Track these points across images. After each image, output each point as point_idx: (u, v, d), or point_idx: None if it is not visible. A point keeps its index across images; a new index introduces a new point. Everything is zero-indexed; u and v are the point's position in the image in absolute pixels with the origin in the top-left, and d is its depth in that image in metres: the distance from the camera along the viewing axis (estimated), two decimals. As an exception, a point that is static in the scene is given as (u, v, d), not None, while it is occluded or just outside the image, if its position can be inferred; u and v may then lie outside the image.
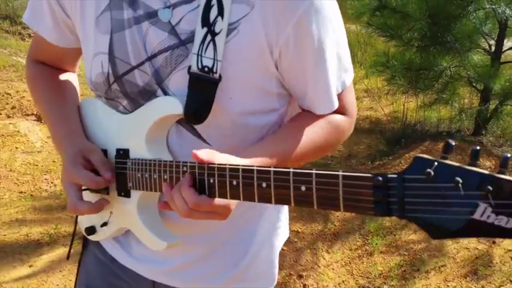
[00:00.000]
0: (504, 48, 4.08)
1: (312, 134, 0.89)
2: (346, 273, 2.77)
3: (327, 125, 0.91)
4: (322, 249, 2.96)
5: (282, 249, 1.15)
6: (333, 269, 2.81)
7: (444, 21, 3.84)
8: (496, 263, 2.78)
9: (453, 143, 0.54)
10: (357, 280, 2.72)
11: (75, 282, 1.14)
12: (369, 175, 0.60)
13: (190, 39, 0.84)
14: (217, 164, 0.76)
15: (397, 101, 4.91)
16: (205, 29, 0.82)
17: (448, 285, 2.63)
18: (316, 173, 0.65)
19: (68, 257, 1.16)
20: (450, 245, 2.94)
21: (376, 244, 2.99)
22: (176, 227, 0.93)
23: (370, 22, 4.23)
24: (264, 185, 0.71)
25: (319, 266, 2.80)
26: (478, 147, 0.53)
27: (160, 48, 0.85)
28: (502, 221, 0.51)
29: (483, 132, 4.13)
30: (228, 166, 0.75)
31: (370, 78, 5.51)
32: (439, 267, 2.77)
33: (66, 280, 2.59)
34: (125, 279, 1.05)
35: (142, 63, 0.87)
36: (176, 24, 0.84)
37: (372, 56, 4.81)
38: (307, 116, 0.92)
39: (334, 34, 0.85)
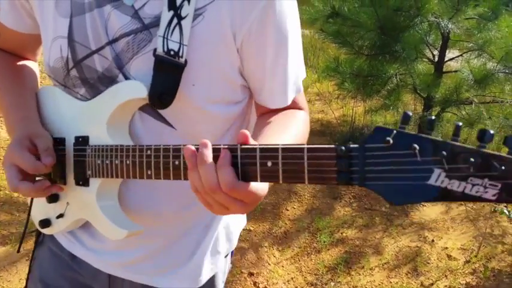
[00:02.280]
0: (446, 59, 4.34)
1: (297, 132, 0.89)
2: (295, 270, 2.86)
3: (301, 122, 0.92)
4: (272, 247, 3.02)
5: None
6: (282, 266, 2.88)
7: (393, 31, 4.03)
8: (434, 260, 2.96)
9: (410, 114, 0.57)
10: (305, 277, 2.80)
11: (27, 277, 1.12)
12: (332, 146, 0.62)
13: (154, 23, 0.83)
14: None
15: (347, 105, 5.09)
16: (171, 12, 0.81)
17: (390, 282, 2.78)
18: (282, 148, 0.66)
19: (18, 250, 1.12)
20: (393, 243, 3.10)
21: (324, 242, 3.10)
22: (138, 219, 0.91)
23: (323, 29, 4.36)
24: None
25: (269, 264, 2.86)
26: (433, 117, 0.56)
27: (122, 32, 0.84)
28: (454, 185, 0.54)
29: (425, 138, 4.35)
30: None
31: (322, 82, 5.67)
32: (383, 264, 2.92)
33: (8, 274, 2.50)
34: (81, 273, 1.04)
35: (102, 47, 0.86)
36: (140, 9, 0.83)
37: (324, 61, 4.95)
38: (284, 115, 0.91)
39: (293, 30, 0.87)
